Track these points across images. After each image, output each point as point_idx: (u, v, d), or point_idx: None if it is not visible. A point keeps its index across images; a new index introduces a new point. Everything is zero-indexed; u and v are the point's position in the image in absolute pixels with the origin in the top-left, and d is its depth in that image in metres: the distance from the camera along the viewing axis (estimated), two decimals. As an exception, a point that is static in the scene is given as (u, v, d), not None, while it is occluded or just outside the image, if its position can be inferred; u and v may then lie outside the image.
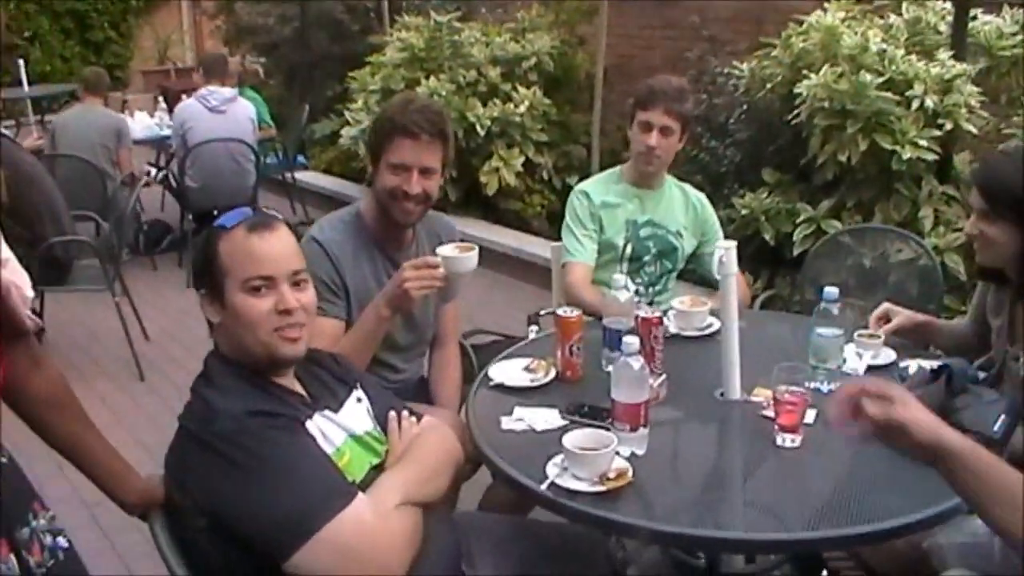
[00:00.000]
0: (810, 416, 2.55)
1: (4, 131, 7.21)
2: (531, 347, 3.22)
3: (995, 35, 5.54)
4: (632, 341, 2.39)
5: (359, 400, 2.36)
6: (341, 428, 2.24)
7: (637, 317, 2.84)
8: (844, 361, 2.90)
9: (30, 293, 1.95)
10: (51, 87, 13.64)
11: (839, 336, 2.82)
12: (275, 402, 2.13)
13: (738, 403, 2.72)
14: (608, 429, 2.39)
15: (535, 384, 2.85)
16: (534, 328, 3.75)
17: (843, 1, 6.05)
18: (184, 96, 8.17)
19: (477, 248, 2.88)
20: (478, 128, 7.64)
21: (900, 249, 4.27)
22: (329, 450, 2.15)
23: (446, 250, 2.86)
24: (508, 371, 2.93)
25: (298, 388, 2.25)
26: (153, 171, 8.42)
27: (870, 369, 2.95)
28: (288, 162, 9.44)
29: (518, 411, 2.67)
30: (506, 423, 2.62)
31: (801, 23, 5.89)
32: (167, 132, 8.44)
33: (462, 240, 3.05)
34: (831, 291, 2.83)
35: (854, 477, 2.38)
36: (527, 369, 2.94)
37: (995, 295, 2.96)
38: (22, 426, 2.09)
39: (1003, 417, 2.47)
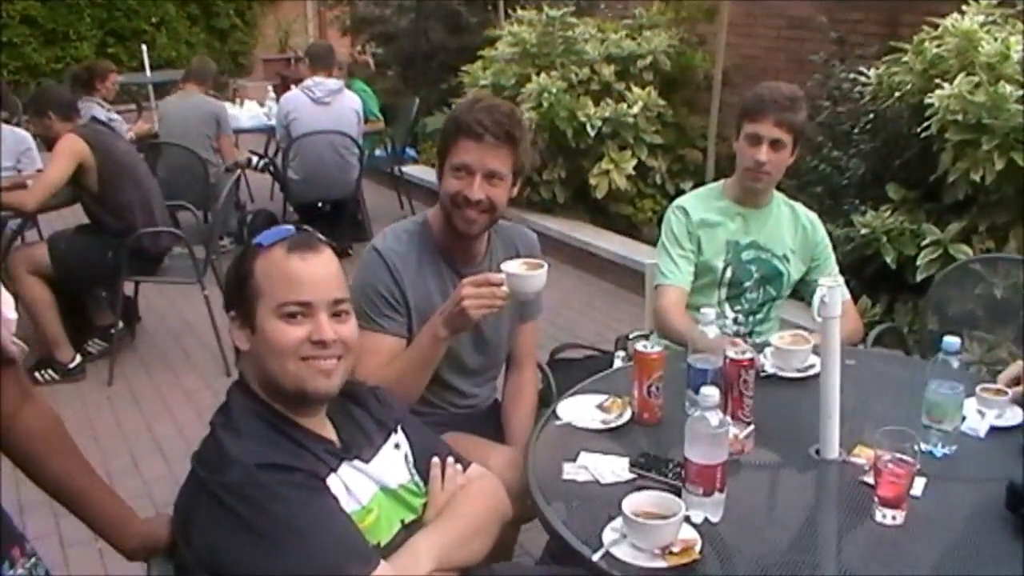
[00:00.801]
0: (918, 487, 2.22)
1: (110, 117, 7.23)
2: (612, 380, 2.92)
3: None
4: (710, 393, 2.08)
5: (397, 446, 2.11)
6: (372, 480, 1.99)
7: (725, 358, 2.52)
8: (963, 419, 2.54)
9: (12, 315, 1.72)
10: (172, 73, 13.78)
11: (958, 393, 2.46)
12: (296, 452, 1.89)
13: (835, 463, 2.39)
14: (680, 490, 2.10)
15: (607, 426, 2.57)
16: (620, 355, 3.44)
17: (983, 3, 5.58)
18: (295, 86, 8.07)
19: (546, 266, 2.60)
20: (589, 128, 7.38)
21: (1037, 279, 3.89)
22: (353, 508, 1.91)
23: (511, 266, 2.59)
24: (578, 409, 2.65)
25: (328, 432, 2.00)
26: (255, 159, 8.33)
27: (992, 431, 2.58)
28: (397, 155, 9.29)
29: (583, 457, 2.39)
30: (568, 471, 2.34)
31: (936, 27, 5.44)
32: (275, 122, 8.36)
33: (533, 256, 2.81)
34: (952, 341, 2.46)
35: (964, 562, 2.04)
36: (600, 408, 2.65)
37: None
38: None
39: None
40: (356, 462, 1.98)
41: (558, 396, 2.91)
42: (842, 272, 5.05)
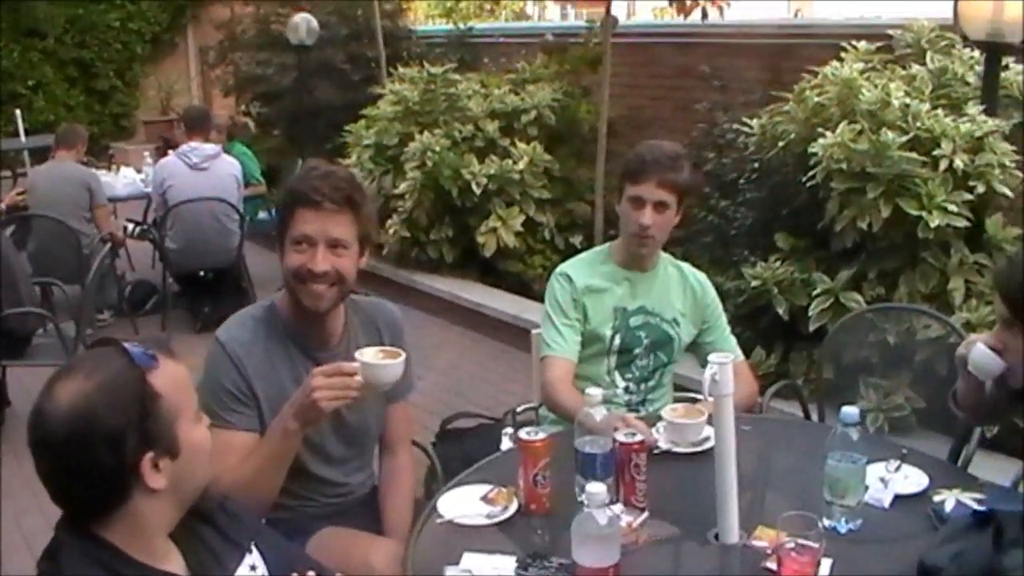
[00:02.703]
0: (824, 567, 2.09)
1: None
2: (498, 466, 2.71)
3: (1030, 85, 5.07)
4: (597, 491, 1.92)
5: (253, 568, 1.89)
6: (228, 610, 1.78)
7: (615, 441, 2.37)
8: (866, 489, 2.42)
9: None
10: (50, 138, 13.35)
11: (860, 465, 2.34)
12: None
13: (736, 548, 2.24)
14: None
15: (492, 521, 2.38)
16: (508, 432, 3.26)
17: (862, 50, 5.59)
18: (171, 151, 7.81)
19: (404, 355, 2.43)
20: (474, 185, 7.28)
21: (928, 325, 3.89)
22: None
23: (366, 355, 2.40)
24: (462, 503, 2.46)
25: (174, 561, 1.78)
26: (131, 226, 8.04)
27: (897, 499, 2.47)
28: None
29: (467, 559, 2.21)
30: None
31: (816, 74, 5.43)
32: (151, 189, 8.08)
33: (387, 347, 2.58)
34: (850, 412, 2.34)
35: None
36: (485, 500, 2.46)
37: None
38: None
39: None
40: None
41: (445, 475, 2.73)
42: (736, 324, 5.01)
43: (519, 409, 3.52)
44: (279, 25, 10.80)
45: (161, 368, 1.70)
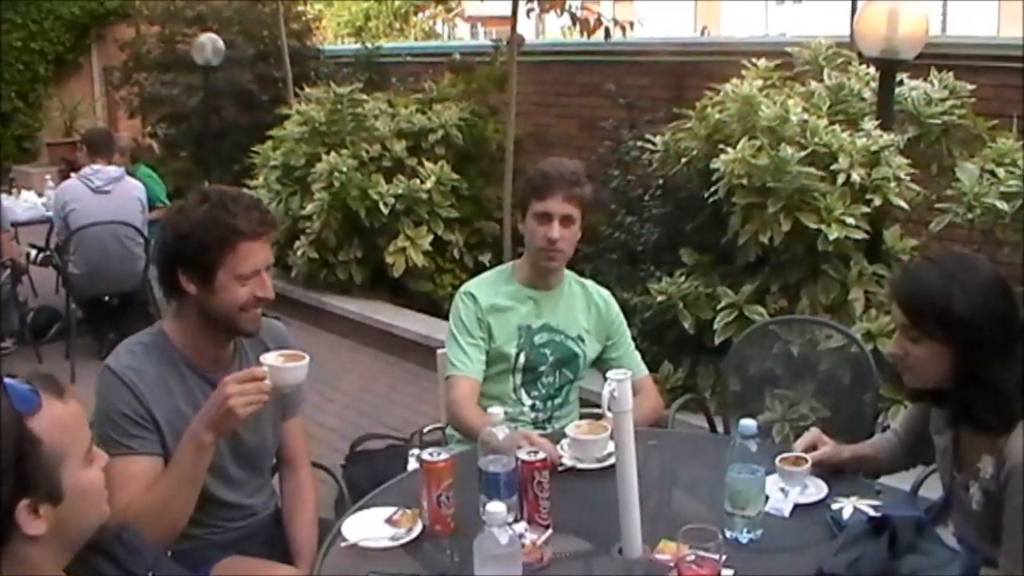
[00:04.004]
0: None
1: None
2: (403, 488, 2.69)
3: (923, 101, 5.18)
4: (496, 510, 1.92)
5: (150, 599, 1.86)
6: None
7: (518, 459, 2.37)
8: (767, 499, 2.46)
9: None
10: (-54, 163, 13.06)
11: (759, 476, 2.37)
12: None
13: (640, 563, 2.25)
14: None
15: (397, 543, 2.37)
16: (414, 453, 3.24)
17: (762, 67, 5.68)
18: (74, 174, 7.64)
19: (308, 357, 2.46)
20: (382, 206, 7.23)
21: (830, 335, 3.93)
22: None
23: (271, 358, 2.44)
24: (366, 525, 2.45)
25: None
26: (33, 252, 7.85)
27: (797, 508, 2.51)
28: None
29: (372, 583, 2.19)
30: (356, 601, 2.14)
31: (717, 92, 5.51)
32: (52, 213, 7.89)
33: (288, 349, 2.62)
34: (748, 424, 2.38)
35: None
36: (389, 522, 2.45)
37: (939, 412, 2.54)
38: None
39: (960, 584, 2.04)
40: None
41: (354, 498, 2.71)
42: (643, 339, 5.07)
43: (426, 430, 3.51)
44: (184, 45, 10.67)
45: (45, 410, 1.64)
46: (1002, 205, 4.40)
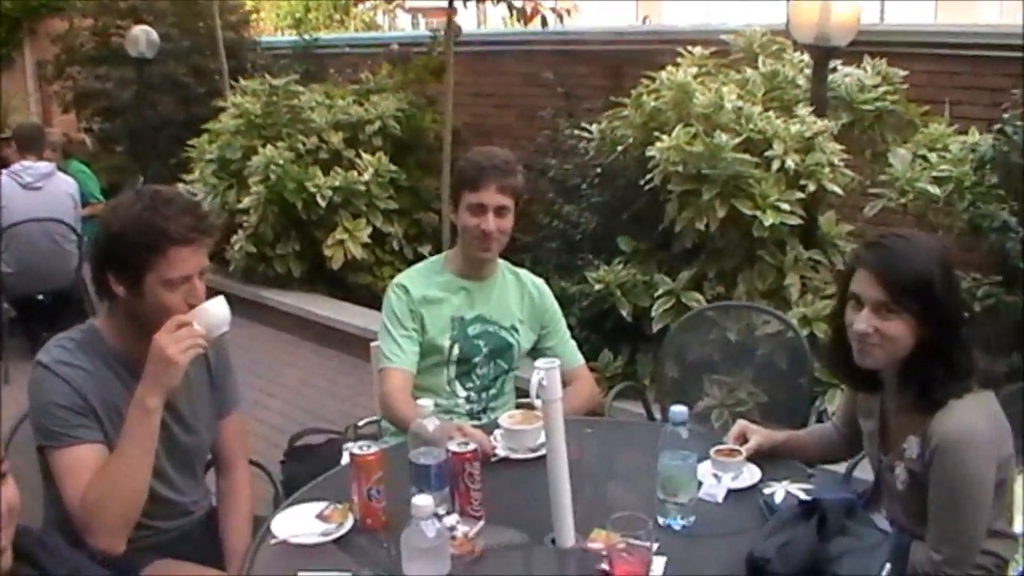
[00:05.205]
0: (659, 566, 2.12)
1: None
2: (334, 483, 2.66)
3: (856, 88, 5.22)
4: (423, 503, 1.89)
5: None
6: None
7: (448, 451, 2.35)
8: (699, 486, 2.46)
9: None
10: None
11: (691, 463, 2.37)
12: None
13: (572, 552, 2.25)
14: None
15: (328, 538, 2.34)
16: (348, 448, 3.19)
17: (697, 55, 5.69)
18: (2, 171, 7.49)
19: (221, 295, 2.46)
20: (319, 198, 7.18)
21: (767, 321, 3.96)
22: None
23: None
24: (297, 522, 2.41)
25: None
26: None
27: (730, 493, 2.52)
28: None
29: (303, 580, 2.15)
30: (286, 599, 2.10)
31: (653, 79, 5.51)
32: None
33: None
34: (678, 411, 2.37)
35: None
36: (320, 517, 2.42)
37: (866, 397, 2.57)
38: None
39: (888, 567, 2.05)
40: None
41: (291, 494, 2.68)
42: (582, 328, 5.07)
43: (362, 423, 3.48)
44: (118, 38, 10.49)
45: None
46: (934, 190, 4.45)
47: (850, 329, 2.34)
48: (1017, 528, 2.41)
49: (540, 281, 3.45)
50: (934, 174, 4.52)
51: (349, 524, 2.37)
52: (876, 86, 5.22)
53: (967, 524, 2.24)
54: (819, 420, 3.66)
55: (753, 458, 2.64)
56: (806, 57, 5.29)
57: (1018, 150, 4.28)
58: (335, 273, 7.38)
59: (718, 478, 2.56)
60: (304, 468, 3.88)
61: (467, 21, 9.17)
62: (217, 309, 2.45)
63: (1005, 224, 4.16)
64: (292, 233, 7.52)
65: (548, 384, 2.18)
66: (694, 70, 5.42)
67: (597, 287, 5.23)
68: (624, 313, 5.18)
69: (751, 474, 2.59)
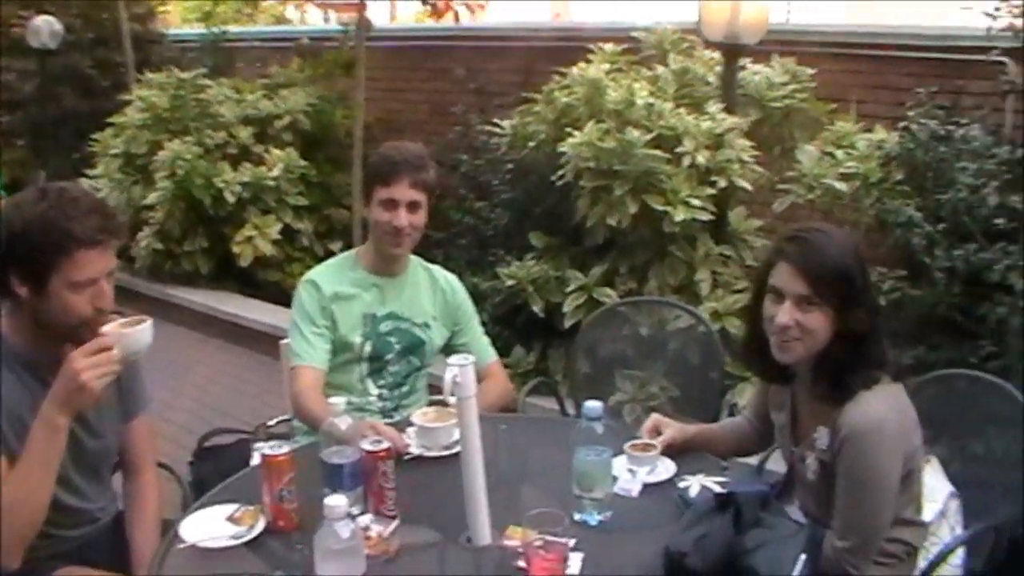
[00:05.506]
0: (576, 562, 2.11)
1: None
2: (245, 484, 2.59)
3: (765, 85, 5.29)
4: (336, 504, 1.86)
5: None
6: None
7: (361, 450, 2.32)
8: (614, 481, 2.46)
9: None
10: None
11: (605, 458, 2.37)
12: None
13: (489, 550, 2.22)
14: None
15: (239, 541, 2.28)
16: (259, 448, 3.12)
17: (609, 51, 5.71)
18: None
19: (149, 320, 2.36)
20: (228, 194, 7.08)
21: (678, 316, 3.98)
22: None
23: (111, 327, 2.32)
24: (206, 525, 2.34)
25: None
26: None
27: (646, 487, 2.53)
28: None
29: (213, 586, 2.10)
30: (195, 605, 2.05)
31: (565, 75, 5.52)
32: None
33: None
34: (592, 406, 2.37)
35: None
36: (231, 520, 2.36)
37: (778, 389, 2.59)
38: None
39: (803, 558, 2.07)
40: None
41: (198, 497, 2.61)
42: (494, 324, 5.06)
43: (272, 422, 3.42)
44: (19, 28, 10.21)
45: None
46: (841, 186, 4.52)
47: (769, 323, 2.36)
48: (926, 516, 2.45)
49: (453, 277, 3.42)
50: (841, 170, 4.60)
51: (260, 526, 2.32)
52: (785, 84, 5.30)
53: (871, 514, 2.27)
54: (730, 413, 3.68)
55: (667, 452, 2.65)
56: (716, 55, 5.34)
57: (923, 147, 4.38)
58: (244, 270, 7.29)
59: (633, 472, 2.56)
60: (214, 469, 3.79)
61: (378, 16, 9.10)
62: (143, 337, 2.35)
63: (911, 219, 4.24)
64: (200, 230, 7.40)
65: (462, 381, 2.15)
66: (606, 67, 5.46)
67: (509, 283, 5.23)
68: (536, 309, 5.19)
69: (666, 468, 2.60)
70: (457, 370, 2.14)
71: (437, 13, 7.15)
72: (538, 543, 2.01)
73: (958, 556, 2.51)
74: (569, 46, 6.55)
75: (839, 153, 4.73)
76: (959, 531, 2.53)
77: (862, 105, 5.43)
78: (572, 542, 2.13)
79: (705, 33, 5.11)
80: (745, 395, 4.53)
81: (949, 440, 2.75)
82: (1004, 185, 4.11)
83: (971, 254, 4.06)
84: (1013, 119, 4.82)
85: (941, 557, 2.41)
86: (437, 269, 3.41)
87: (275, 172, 7.26)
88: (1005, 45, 4.53)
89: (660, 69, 5.50)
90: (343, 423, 2.35)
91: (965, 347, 4.11)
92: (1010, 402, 2.79)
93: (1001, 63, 4.74)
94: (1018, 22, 4.32)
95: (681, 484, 2.50)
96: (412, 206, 3.11)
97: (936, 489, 2.51)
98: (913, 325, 4.24)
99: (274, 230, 7.20)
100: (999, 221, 4.05)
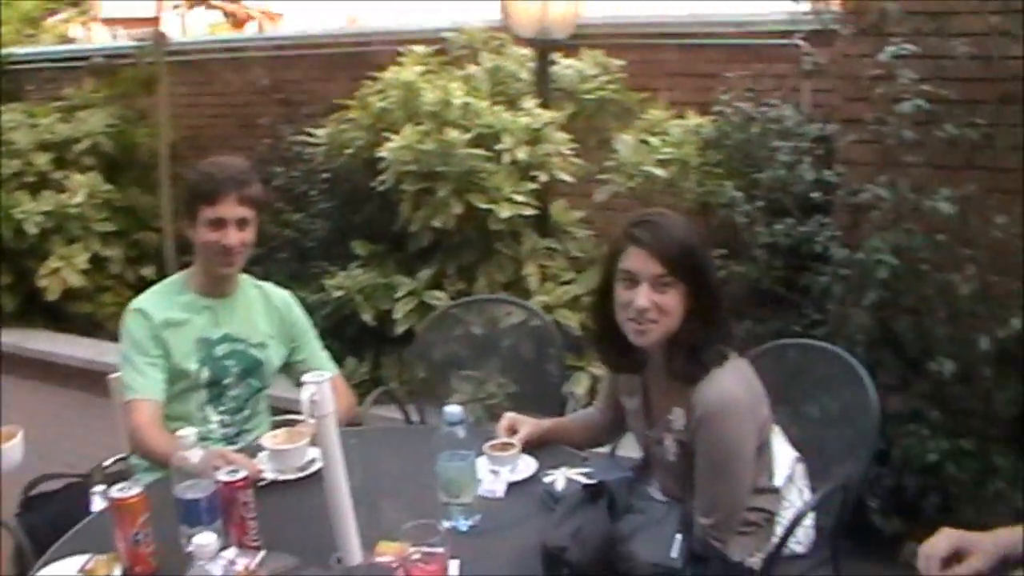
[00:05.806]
0: (452, 569, 2.09)
1: None
2: (93, 531, 2.45)
3: (578, 79, 5.36)
4: (205, 542, 1.77)
5: None
6: None
7: (217, 482, 2.22)
8: (479, 483, 2.44)
9: None
10: None
11: (469, 462, 2.35)
12: None
13: (361, 569, 2.15)
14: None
15: (94, 593, 2.15)
16: (98, 491, 2.95)
17: (420, 54, 5.68)
18: None
19: (21, 433, 2.30)
20: (29, 225, 6.78)
21: (510, 312, 4.01)
22: None
23: None
24: (56, 578, 2.20)
25: None
26: None
27: (511, 487, 2.52)
28: None
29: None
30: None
31: (377, 80, 5.46)
32: None
33: None
34: (452, 411, 2.35)
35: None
36: (83, 572, 2.22)
37: (627, 376, 2.62)
38: None
39: (679, 538, 2.10)
40: None
41: (36, 550, 2.45)
42: (324, 336, 4.91)
43: (107, 463, 3.24)
44: None
45: None
46: (659, 172, 4.61)
47: (624, 309, 2.37)
48: (777, 482, 2.53)
49: (287, 293, 3.33)
50: (658, 157, 4.68)
51: (118, 574, 2.19)
52: (596, 76, 5.38)
53: (732, 489, 2.33)
54: (575, 406, 3.71)
55: (525, 448, 2.65)
56: (528, 51, 5.37)
57: (738, 129, 4.51)
58: (52, 304, 6.96)
59: (496, 473, 2.55)
60: (44, 519, 3.60)
61: (169, 29, 8.80)
62: (13, 455, 2.23)
63: (732, 199, 4.36)
64: (1, 265, 7.03)
65: (319, 399, 2.07)
66: (419, 69, 5.42)
67: (336, 294, 5.17)
68: (367, 318, 5.13)
69: (528, 465, 2.60)
70: (315, 387, 2.06)
71: (238, 23, 6.96)
72: (416, 556, 1.96)
73: (808, 517, 2.60)
74: (374, 50, 6.51)
75: (654, 140, 4.82)
76: (807, 494, 2.63)
77: (671, 92, 5.55)
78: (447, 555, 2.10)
79: (515, 31, 5.14)
80: (582, 384, 4.60)
81: (786, 407, 2.83)
82: (816, 161, 4.27)
83: (790, 228, 4.20)
84: (811, 99, 5.01)
85: (797, 519, 2.49)
86: (269, 286, 3.31)
87: (78, 199, 6.96)
88: (807, 28, 4.68)
89: (473, 68, 5.50)
90: (194, 455, 2.23)
91: (791, 317, 4.26)
92: (839, 363, 2.96)
93: (799, 46, 4.92)
94: (820, 5, 4.47)
95: (546, 479, 2.50)
96: (241, 223, 3.00)
97: (782, 455, 2.59)
98: (740, 300, 4.37)
99: (82, 260, 6.90)
100: (815, 195, 4.20)
